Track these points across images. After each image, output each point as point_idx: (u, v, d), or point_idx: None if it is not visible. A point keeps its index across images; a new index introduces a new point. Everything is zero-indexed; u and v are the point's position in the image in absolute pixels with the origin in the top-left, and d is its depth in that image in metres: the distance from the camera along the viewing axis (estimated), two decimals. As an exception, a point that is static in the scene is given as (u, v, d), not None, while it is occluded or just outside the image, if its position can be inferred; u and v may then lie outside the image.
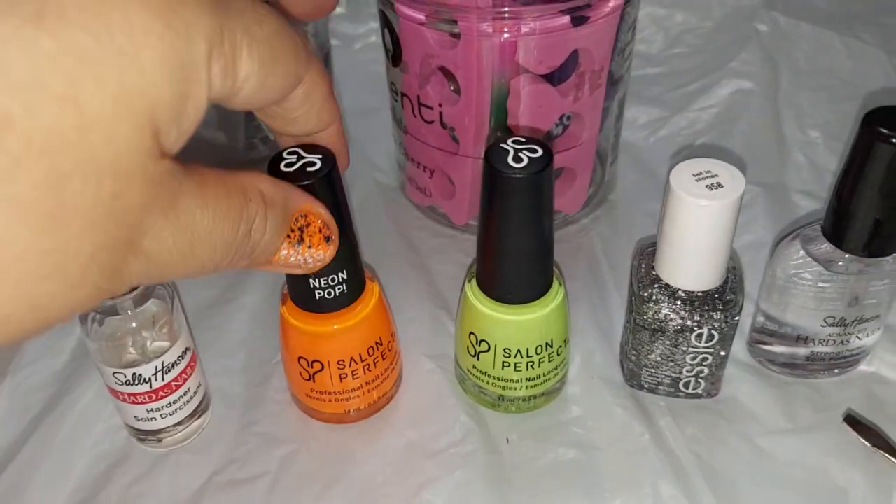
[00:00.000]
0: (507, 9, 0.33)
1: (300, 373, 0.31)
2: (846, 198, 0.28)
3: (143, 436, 0.32)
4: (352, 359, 0.30)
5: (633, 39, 0.38)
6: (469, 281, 0.31)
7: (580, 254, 0.40)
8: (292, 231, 0.21)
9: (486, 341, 0.31)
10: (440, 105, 0.37)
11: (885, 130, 0.26)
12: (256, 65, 0.17)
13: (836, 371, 0.33)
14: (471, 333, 0.31)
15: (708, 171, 0.28)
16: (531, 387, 0.32)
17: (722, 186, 0.27)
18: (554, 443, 0.31)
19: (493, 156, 0.26)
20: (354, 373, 0.31)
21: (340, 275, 0.28)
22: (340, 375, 0.30)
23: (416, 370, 0.34)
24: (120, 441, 0.32)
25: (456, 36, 0.34)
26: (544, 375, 0.32)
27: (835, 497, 0.29)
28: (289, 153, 0.25)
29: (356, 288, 0.29)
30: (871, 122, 0.27)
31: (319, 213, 0.22)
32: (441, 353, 0.35)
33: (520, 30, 0.33)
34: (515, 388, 0.32)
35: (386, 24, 0.37)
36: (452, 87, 0.36)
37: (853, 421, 0.30)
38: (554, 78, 0.35)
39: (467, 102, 0.36)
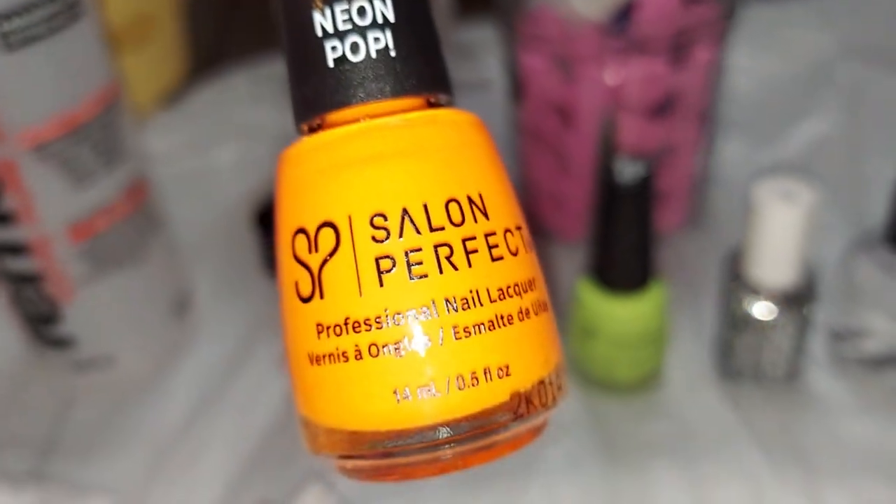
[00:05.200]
0: (610, 54, 0.40)
1: (295, 285, 0.16)
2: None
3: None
4: (406, 213, 0.15)
5: (723, 81, 0.44)
6: (583, 271, 0.37)
7: (673, 265, 0.45)
8: None
9: (593, 327, 0.37)
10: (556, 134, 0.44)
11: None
12: None
13: (912, 367, 0.37)
14: (581, 320, 0.37)
15: (786, 186, 0.34)
16: (634, 368, 0.37)
17: (799, 195, 0.33)
18: (649, 418, 0.37)
19: (603, 170, 0.33)
20: (415, 261, 0.15)
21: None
22: (380, 272, 0.15)
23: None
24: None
25: (571, 78, 0.41)
26: (646, 360, 0.37)
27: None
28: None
29: (424, 61, 0.15)
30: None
31: None
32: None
33: (625, 72, 0.40)
34: (618, 369, 0.37)
35: (512, 63, 0.45)
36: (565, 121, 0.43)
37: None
38: (655, 113, 0.42)
39: (577, 134, 0.43)
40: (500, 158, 0.17)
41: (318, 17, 0.15)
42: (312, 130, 0.16)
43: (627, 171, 0.33)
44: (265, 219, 0.33)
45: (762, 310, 0.35)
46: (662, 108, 0.42)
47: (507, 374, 0.16)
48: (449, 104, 0.17)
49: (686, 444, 0.36)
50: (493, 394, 0.16)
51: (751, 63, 0.58)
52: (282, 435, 0.37)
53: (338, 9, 0.15)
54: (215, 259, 0.47)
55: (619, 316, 0.36)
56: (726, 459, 0.35)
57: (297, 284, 0.16)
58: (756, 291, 0.35)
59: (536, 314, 0.17)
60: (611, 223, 0.34)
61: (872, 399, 0.36)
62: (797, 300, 0.35)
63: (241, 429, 0.38)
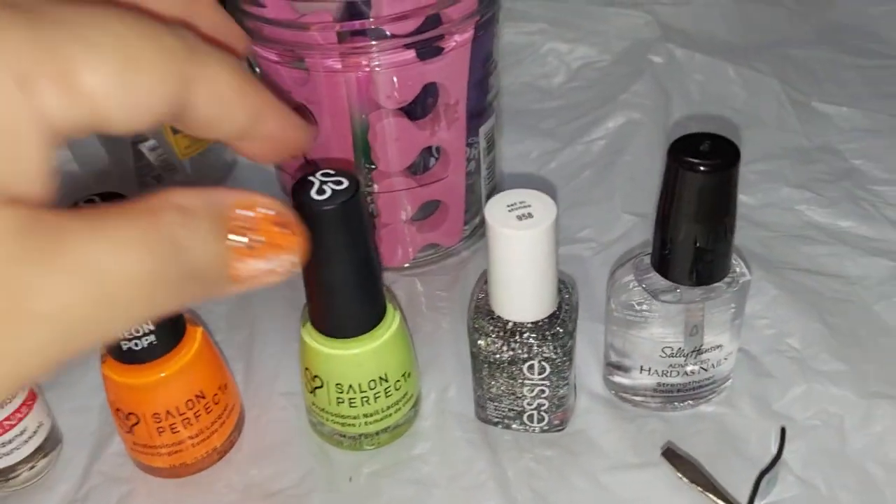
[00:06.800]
0: (350, 45, 0.33)
1: (120, 425, 0.30)
2: (664, 227, 0.28)
3: (-12, 477, 0.31)
4: (168, 412, 0.29)
5: (492, 73, 0.38)
6: (303, 316, 0.31)
7: (455, 286, 0.39)
8: (236, 231, 0.17)
9: (318, 377, 0.30)
10: (303, 141, 0.37)
11: (690, 159, 0.26)
12: (109, 71, 0.15)
13: (689, 403, 0.32)
14: (306, 369, 0.31)
15: (522, 202, 0.28)
16: (371, 423, 0.31)
17: (532, 216, 0.27)
18: (394, 480, 0.31)
19: (298, 189, 0.26)
20: (173, 427, 0.30)
21: (144, 326, 0.27)
22: (158, 429, 0.30)
23: (268, 408, 0.34)
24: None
25: (307, 72, 0.34)
26: (384, 411, 0.31)
27: (673, 534, 0.28)
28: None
29: (169, 338, 0.29)
30: (676, 151, 0.27)
31: (258, 200, 0.17)
32: (296, 392, 0.34)
33: (369, 64, 0.34)
34: (355, 425, 0.31)
35: (249, 63, 0.38)
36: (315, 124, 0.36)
37: (672, 454, 0.29)
38: (412, 112, 0.36)
39: (326, 137, 0.36)
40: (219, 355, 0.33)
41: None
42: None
43: (326, 188, 0.26)
44: None
45: (509, 348, 0.29)
46: (420, 105, 0.36)
47: None
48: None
49: (431, 510, 0.30)
50: None
51: (566, 49, 0.52)
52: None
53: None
54: None
55: (341, 363, 0.29)
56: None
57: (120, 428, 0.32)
58: (498, 326, 0.29)
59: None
60: (311, 256, 0.27)
61: (641, 447, 0.31)
62: (550, 335, 0.29)
63: None
